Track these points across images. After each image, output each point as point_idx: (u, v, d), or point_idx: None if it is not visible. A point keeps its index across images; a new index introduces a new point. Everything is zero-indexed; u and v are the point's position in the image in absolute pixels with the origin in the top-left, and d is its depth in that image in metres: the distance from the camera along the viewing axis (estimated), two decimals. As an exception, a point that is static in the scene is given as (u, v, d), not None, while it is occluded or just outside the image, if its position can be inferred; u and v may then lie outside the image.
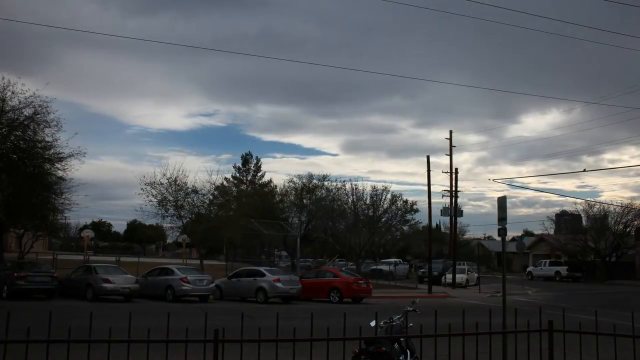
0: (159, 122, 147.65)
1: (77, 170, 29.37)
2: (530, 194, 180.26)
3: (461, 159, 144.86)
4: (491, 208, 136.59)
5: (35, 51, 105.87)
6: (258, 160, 70.46)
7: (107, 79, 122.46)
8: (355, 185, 43.46)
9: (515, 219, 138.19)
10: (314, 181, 48.86)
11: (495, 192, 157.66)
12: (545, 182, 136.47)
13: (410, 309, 7.21)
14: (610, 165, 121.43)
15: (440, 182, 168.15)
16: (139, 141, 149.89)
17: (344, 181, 45.43)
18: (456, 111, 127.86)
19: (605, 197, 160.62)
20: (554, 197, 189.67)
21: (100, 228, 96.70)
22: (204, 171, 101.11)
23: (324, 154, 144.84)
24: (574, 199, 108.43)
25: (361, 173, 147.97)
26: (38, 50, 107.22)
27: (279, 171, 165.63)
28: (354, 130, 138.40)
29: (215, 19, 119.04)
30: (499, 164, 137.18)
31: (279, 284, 24.56)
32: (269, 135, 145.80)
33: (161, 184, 34.98)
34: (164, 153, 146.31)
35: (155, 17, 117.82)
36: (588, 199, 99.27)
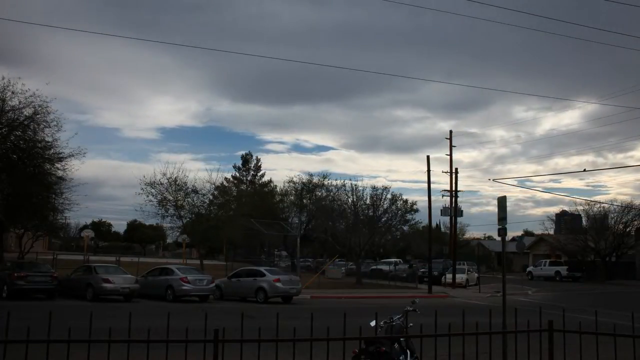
0: (172, 120, 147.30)
1: (77, 170, 29.46)
2: (554, 193, 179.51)
3: (482, 157, 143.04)
4: (513, 206, 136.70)
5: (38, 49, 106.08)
6: (258, 160, 70.68)
7: (108, 75, 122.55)
8: (355, 185, 43.50)
9: (521, 218, 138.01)
10: (315, 178, 48.88)
11: (513, 191, 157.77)
12: (560, 182, 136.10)
13: (411, 308, 7.21)
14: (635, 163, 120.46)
15: (445, 182, 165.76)
16: (143, 140, 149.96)
17: (344, 180, 45.48)
18: (496, 103, 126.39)
19: (621, 197, 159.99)
20: (576, 197, 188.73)
21: (100, 228, 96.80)
22: (204, 170, 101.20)
23: (339, 151, 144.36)
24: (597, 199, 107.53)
25: (377, 171, 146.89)
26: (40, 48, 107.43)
27: (294, 169, 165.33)
28: (374, 126, 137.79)
29: (290, 11, 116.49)
30: (518, 162, 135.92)
31: (279, 284, 24.55)
32: (285, 133, 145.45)
33: (161, 183, 35.04)
34: (172, 152, 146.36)
35: (218, 9, 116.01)
36: (604, 200, 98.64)
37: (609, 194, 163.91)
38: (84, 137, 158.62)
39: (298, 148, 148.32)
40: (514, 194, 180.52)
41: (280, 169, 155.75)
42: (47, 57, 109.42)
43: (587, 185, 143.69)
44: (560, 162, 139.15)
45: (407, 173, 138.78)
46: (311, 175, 49.89)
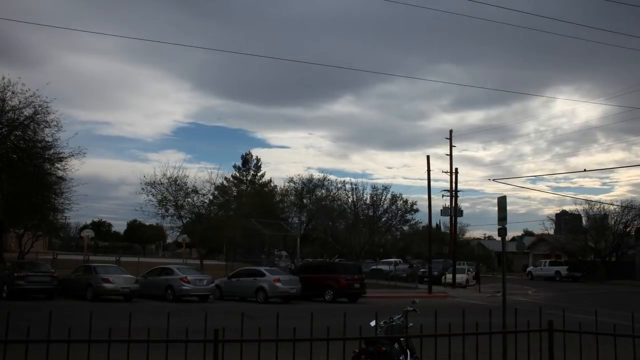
0: (183, 118, 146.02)
1: (77, 170, 29.48)
2: (556, 193, 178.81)
3: (505, 155, 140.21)
4: (533, 207, 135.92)
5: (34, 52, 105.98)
6: (258, 159, 70.59)
7: (104, 80, 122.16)
8: (355, 184, 43.57)
9: (522, 218, 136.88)
10: (316, 175, 48.93)
11: (538, 191, 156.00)
12: (574, 182, 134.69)
13: (410, 308, 7.21)
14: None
15: (466, 181, 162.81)
16: (145, 140, 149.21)
17: (344, 179, 45.59)
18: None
19: (629, 195, 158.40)
20: (592, 197, 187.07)
21: (100, 228, 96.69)
22: (204, 170, 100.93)
23: (356, 148, 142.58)
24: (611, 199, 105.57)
25: (395, 168, 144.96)
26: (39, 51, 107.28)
27: (312, 166, 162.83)
28: (396, 121, 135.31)
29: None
30: (540, 161, 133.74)
31: (279, 284, 24.57)
32: (302, 129, 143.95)
33: (161, 183, 34.99)
34: (180, 151, 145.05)
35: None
36: (605, 200, 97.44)
37: (613, 192, 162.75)
38: (86, 135, 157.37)
39: (315, 145, 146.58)
40: (539, 193, 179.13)
41: (296, 165, 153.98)
42: (48, 53, 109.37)
43: (604, 185, 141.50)
44: (583, 160, 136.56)
45: (423, 171, 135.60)
46: (311, 175, 49.95)
